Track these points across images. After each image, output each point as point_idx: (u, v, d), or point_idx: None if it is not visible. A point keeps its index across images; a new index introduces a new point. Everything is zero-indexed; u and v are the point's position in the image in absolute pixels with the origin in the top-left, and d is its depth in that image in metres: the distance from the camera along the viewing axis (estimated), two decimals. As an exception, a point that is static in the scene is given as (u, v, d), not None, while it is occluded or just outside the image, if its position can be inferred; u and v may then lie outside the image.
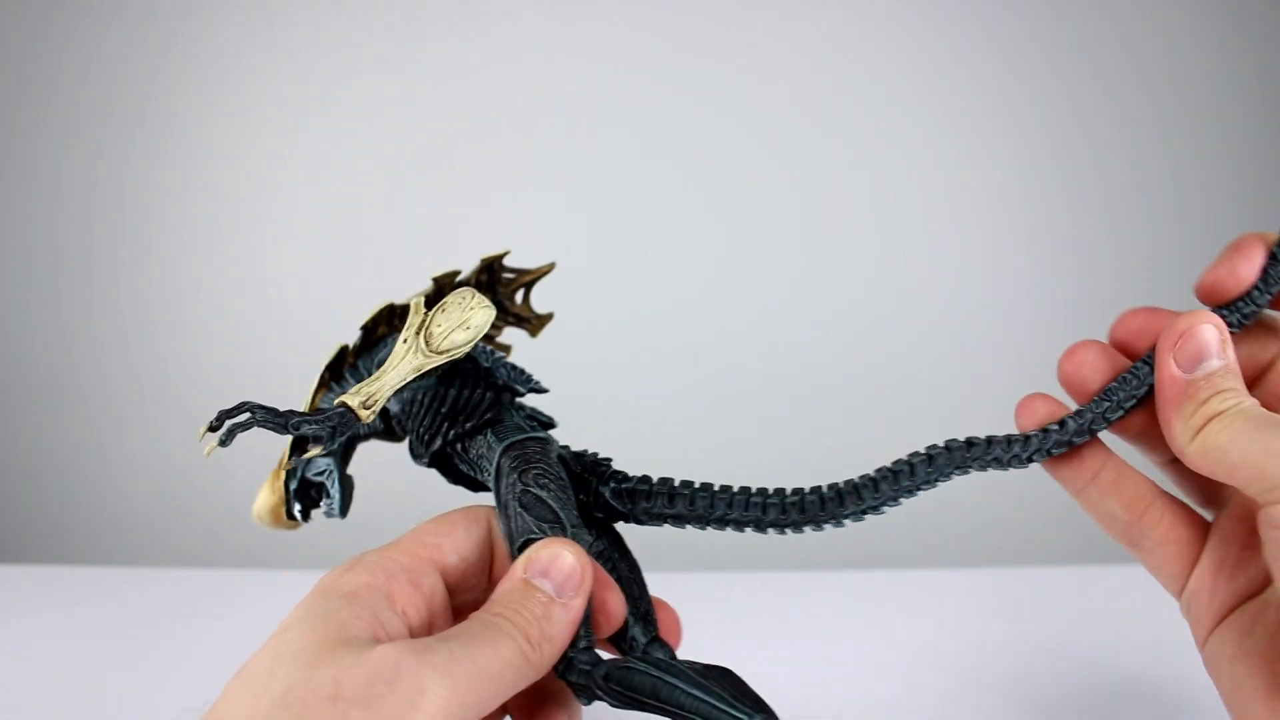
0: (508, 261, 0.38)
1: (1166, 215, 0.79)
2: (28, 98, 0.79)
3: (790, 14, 0.77)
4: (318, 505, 0.33)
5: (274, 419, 0.29)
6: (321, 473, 0.33)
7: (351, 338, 0.34)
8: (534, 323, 0.39)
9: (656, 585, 0.32)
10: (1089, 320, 0.78)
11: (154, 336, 0.81)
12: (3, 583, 0.62)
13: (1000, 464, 0.30)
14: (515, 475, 0.30)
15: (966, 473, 0.31)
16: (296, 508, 0.33)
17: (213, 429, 0.28)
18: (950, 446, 0.30)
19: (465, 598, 0.30)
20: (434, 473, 0.34)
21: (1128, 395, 0.30)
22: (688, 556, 0.32)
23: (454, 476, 0.34)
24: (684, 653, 0.33)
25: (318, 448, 0.29)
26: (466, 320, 0.31)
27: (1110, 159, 0.78)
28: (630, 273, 0.79)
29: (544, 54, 0.77)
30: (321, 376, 0.33)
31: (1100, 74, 0.78)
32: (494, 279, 0.38)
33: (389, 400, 0.31)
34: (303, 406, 0.33)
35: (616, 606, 0.29)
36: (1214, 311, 0.29)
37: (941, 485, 0.30)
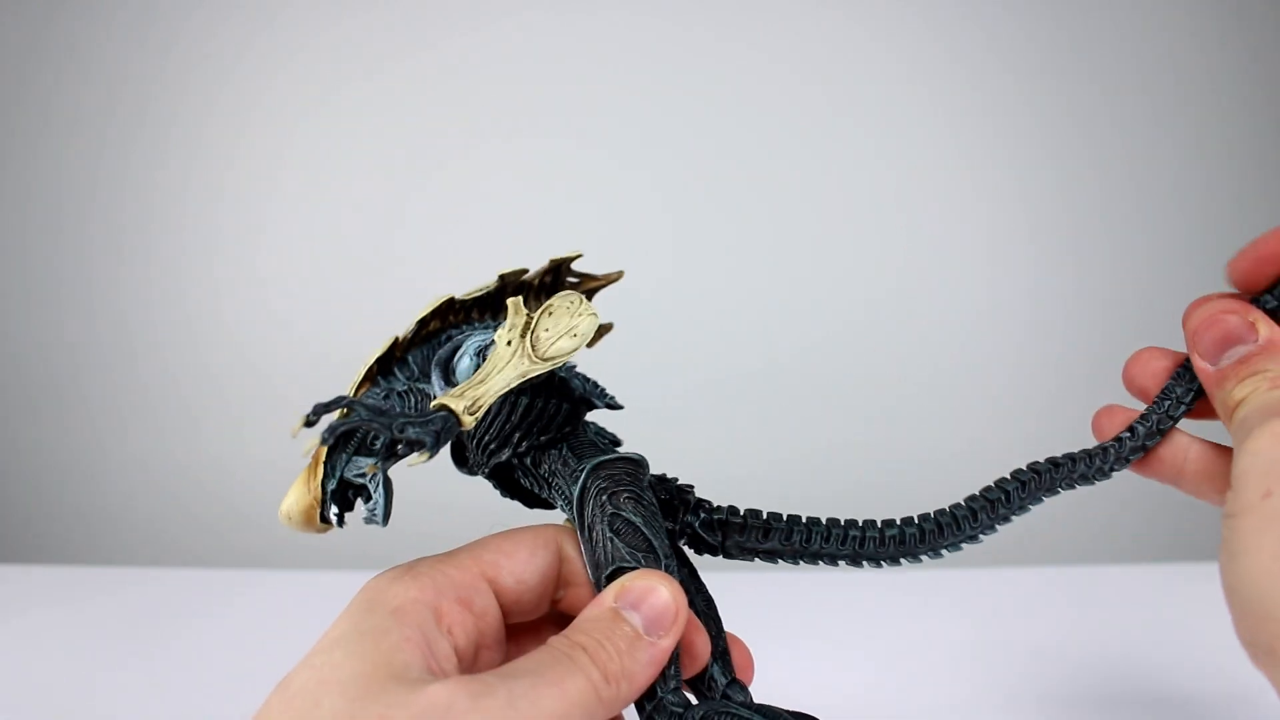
0: (575, 265, 0.36)
1: (1166, 215, 0.79)
2: (28, 98, 0.79)
3: (790, 13, 0.77)
4: (351, 508, 0.31)
5: (377, 419, 0.26)
6: (363, 474, 0.30)
7: (402, 328, 0.32)
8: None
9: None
10: (1089, 320, 0.79)
11: (154, 336, 0.81)
12: (3, 583, 0.62)
13: (1086, 480, 0.31)
14: (605, 497, 0.28)
15: (1056, 494, 0.30)
16: (333, 510, 0.30)
17: (309, 424, 0.26)
18: (1038, 470, 0.30)
19: (521, 620, 0.28)
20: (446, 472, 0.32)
21: (1185, 389, 0.30)
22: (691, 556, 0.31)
23: (511, 490, 0.32)
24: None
25: (422, 456, 0.27)
26: (574, 327, 0.29)
27: (1110, 159, 0.78)
28: (630, 272, 0.79)
29: (543, 54, 0.77)
30: (369, 369, 0.30)
31: (1101, 74, 0.78)
32: (558, 282, 0.36)
33: (442, 388, 0.29)
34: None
35: (702, 647, 0.28)
36: (1254, 300, 0.29)
37: (1034, 509, 0.30)
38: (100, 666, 0.50)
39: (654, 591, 0.25)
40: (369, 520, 0.30)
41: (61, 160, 0.80)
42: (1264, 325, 0.27)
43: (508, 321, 0.29)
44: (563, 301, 0.29)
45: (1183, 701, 0.44)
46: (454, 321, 0.32)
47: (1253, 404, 0.26)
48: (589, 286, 0.36)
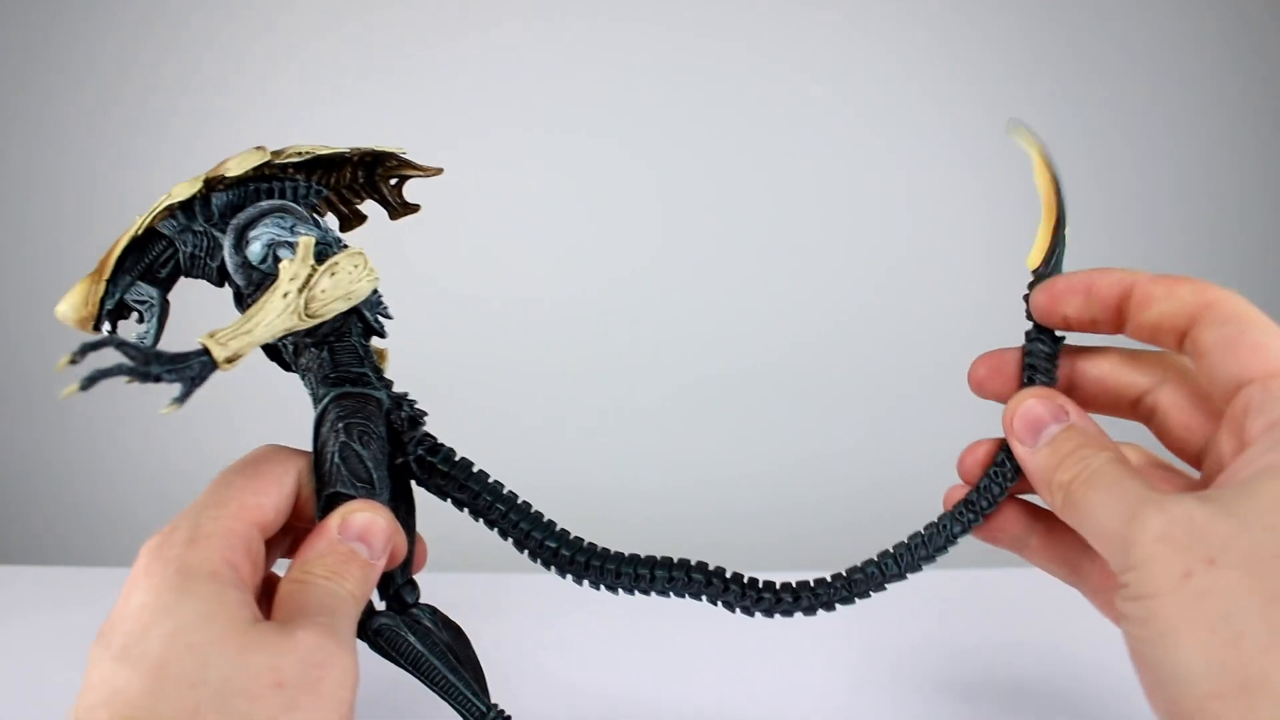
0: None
1: (1167, 212, 0.79)
2: (28, 97, 0.79)
3: (789, 9, 0.77)
4: (126, 318, 0.32)
5: (139, 367, 0.28)
6: (143, 301, 0.32)
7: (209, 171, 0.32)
8: (398, 210, 0.37)
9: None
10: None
11: (153, 337, 0.81)
12: (3, 583, 0.62)
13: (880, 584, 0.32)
14: (342, 424, 0.31)
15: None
16: (106, 326, 0.32)
17: (74, 362, 0.27)
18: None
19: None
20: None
21: (999, 490, 0.31)
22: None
23: (270, 353, 0.34)
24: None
25: (173, 406, 0.28)
26: (351, 292, 0.30)
27: (1111, 156, 0.78)
28: (625, 267, 0.79)
29: (541, 51, 0.77)
30: (169, 205, 0.31)
31: (1102, 71, 0.78)
32: (377, 162, 0.36)
33: (231, 253, 0.31)
34: (139, 224, 0.31)
35: (401, 551, 0.31)
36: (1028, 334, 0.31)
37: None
38: (100, 666, 0.50)
39: (374, 523, 0.29)
40: (142, 341, 0.31)
41: (61, 159, 0.80)
42: (1071, 408, 0.29)
43: (292, 266, 0.30)
44: (349, 261, 0.30)
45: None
46: (266, 173, 0.32)
47: (1097, 474, 0.27)
48: (406, 170, 0.36)
